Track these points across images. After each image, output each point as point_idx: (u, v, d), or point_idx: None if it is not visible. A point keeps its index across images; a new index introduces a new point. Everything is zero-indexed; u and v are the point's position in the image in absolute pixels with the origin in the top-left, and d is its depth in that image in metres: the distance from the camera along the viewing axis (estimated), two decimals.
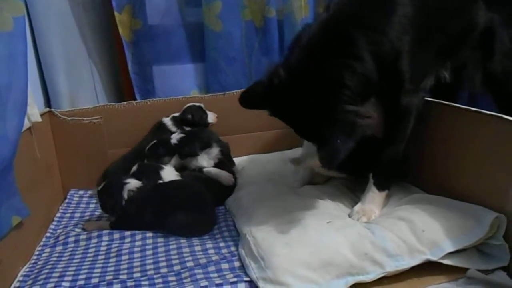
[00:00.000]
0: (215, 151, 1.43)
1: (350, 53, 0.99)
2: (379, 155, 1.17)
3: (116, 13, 1.54)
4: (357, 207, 1.16)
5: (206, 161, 1.41)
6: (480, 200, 1.03)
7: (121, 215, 1.23)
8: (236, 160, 1.55)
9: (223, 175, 1.39)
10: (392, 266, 0.95)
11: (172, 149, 1.41)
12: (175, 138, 1.42)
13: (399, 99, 1.11)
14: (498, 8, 1.23)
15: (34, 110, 1.25)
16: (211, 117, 1.56)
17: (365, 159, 1.18)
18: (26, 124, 1.19)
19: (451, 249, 0.96)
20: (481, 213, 0.99)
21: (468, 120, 1.07)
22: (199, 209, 1.23)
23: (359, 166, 1.24)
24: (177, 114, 1.57)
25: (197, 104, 1.57)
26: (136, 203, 1.21)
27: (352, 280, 0.93)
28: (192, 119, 1.53)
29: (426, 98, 1.21)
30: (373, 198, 1.16)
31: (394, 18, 1.05)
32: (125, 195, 1.21)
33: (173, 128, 1.54)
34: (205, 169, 1.40)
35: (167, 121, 1.56)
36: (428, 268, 0.96)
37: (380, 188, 1.17)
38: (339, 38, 1.00)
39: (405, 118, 1.14)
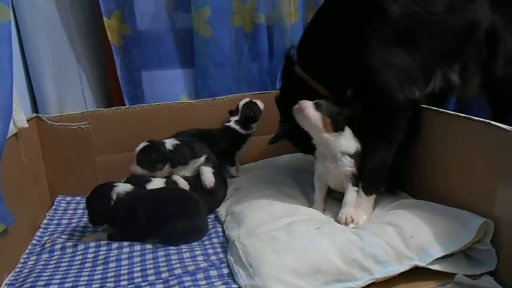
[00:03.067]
0: (201, 160, 1.41)
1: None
2: (365, 163, 1.18)
3: (104, 18, 1.53)
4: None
5: (190, 171, 1.40)
6: (467, 205, 1.04)
7: (117, 224, 1.21)
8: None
9: (181, 182, 1.37)
10: (380, 273, 0.95)
11: (166, 155, 1.36)
12: (170, 144, 1.37)
13: (382, 110, 1.15)
14: (501, 9, 1.22)
15: (21, 116, 1.23)
16: (262, 106, 1.57)
17: None
18: (13, 129, 1.18)
19: (439, 255, 0.96)
20: (468, 218, 1.00)
21: (457, 126, 1.08)
22: (195, 217, 1.23)
23: None
24: (235, 117, 1.56)
25: (248, 99, 1.57)
26: (128, 208, 1.19)
27: (341, 286, 0.93)
28: (254, 115, 1.55)
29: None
30: (361, 203, 1.17)
31: (367, 32, 1.13)
32: (114, 197, 1.19)
33: (242, 131, 1.56)
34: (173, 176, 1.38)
35: (235, 126, 1.55)
36: (416, 273, 0.96)
37: (368, 192, 1.17)
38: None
39: (388, 129, 1.16)
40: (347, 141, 1.17)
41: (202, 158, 1.41)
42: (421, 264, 0.96)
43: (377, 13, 1.13)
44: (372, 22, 1.14)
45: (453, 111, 1.12)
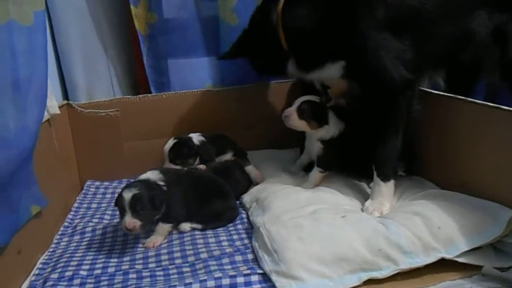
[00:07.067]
0: (228, 157, 1.48)
1: None
2: (376, 150, 1.18)
3: (132, 7, 1.55)
4: (367, 203, 1.16)
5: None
6: (497, 197, 1.02)
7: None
8: (252, 153, 1.55)
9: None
10: (406, 263, 0.94)
11: (195, 150, 1.42)
12: (196, 139, 1.43)
13: (384, 99, 1.15)
14: (506, 9, 1.22)
15: (53, 102, 1.27)
16: None
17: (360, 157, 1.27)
18: (45, 116, 1.21)
19: (467, 248, 0.95)
20: (497, 210, 0.98)
21: (486, 116, 1.05)
22: (230, 199, 1.28)
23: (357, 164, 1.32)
24: None
25: None
26: (173, 192, 1.18)
27: (365, 276, 0.93)
28: None
29: (444, 94, 1.20)
30: (380, 191, 1.16)
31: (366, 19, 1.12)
32: (162, 183, 1.16)
33: None
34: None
35: None
36: (442, 264, 0.96)
37: (385, 179, 1.17)
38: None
39: (391, 111, 1.16)
40: (328, 131, 1.29)
41: (229, 154, 1.46)
42: (448, 256, 0.95)
43: None
44: (367, 3, 1.13)
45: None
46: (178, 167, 1.40)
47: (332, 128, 1.29)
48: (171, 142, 1.42)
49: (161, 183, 1.16)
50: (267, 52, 1.31)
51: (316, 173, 1.31)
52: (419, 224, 0.99)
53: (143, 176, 1.18)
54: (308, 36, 1.20)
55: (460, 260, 0.95)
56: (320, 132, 1.29)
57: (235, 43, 1.41)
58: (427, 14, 1.14)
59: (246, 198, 1.33)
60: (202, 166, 1.41)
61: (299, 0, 1.22)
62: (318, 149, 1.30)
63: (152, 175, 1.18)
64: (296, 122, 1.27)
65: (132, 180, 1.21)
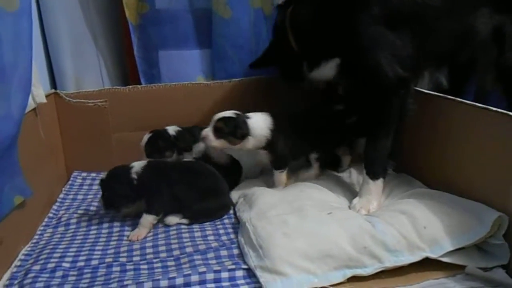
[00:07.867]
0: (201, 146, 1.43)
1: None
2: (366, 148, 1.18)
3: None
4: (355, 200, 1.16)
5: (192, 156, 1.43)
6: (482, 197, 1.02)
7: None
8: None
9: None
10: (391, 261, 0.94)
11: (171, 141, 1.39)
12: (171, 130, 1.41)
13: (376, 96, 1.15)
14: (505, 9, 1.22)
15: (40, 91, 1.25)
16: None
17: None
18: (31, 104, 1.19)
19: (451, 248, 0.96)
20: (483, 211, 0.99)
21: (475, 117, 1.05)
22: (224, 197, 1.26)
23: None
24: None
25: None
26: (151, 182, 1.18)
27: (350, 272, 0.93)
28: None
29: (433, 93, 1.20)
30: (369, 189, 1.16)
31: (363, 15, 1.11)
32: (135, 176, 1.17)
33: None
34: None
35: None
36: (426, 263, 0.96)
37: (374, 177, 1.17)
38: None
39: (383, 109, 1.15)
40: (255, 139, 1.23)
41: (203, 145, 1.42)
42: (433, 256, 0.95)
43: None
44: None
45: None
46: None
47: (260, 135, 1.23)
48: (146, 136, 1.38)
49: (134, 176, 1.17)
50: (286, 57, 1.31)
51: (277, 175, 1.29)
52: (405, 223, 0.99)
53: (132, 164, 1.20)
54: (309, 34, 1.20)
55: (444, 259, 0.96)
56: (248, 144, 1.22)
57: (263, 51, 1.44)
58: (431, 10, 1.13)
59: (234, 194, 1.32)
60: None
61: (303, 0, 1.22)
62: (264, 156, 1.27)
63: (136, 164, 1.20)
64: (214, 143, 1.21)
65: None
